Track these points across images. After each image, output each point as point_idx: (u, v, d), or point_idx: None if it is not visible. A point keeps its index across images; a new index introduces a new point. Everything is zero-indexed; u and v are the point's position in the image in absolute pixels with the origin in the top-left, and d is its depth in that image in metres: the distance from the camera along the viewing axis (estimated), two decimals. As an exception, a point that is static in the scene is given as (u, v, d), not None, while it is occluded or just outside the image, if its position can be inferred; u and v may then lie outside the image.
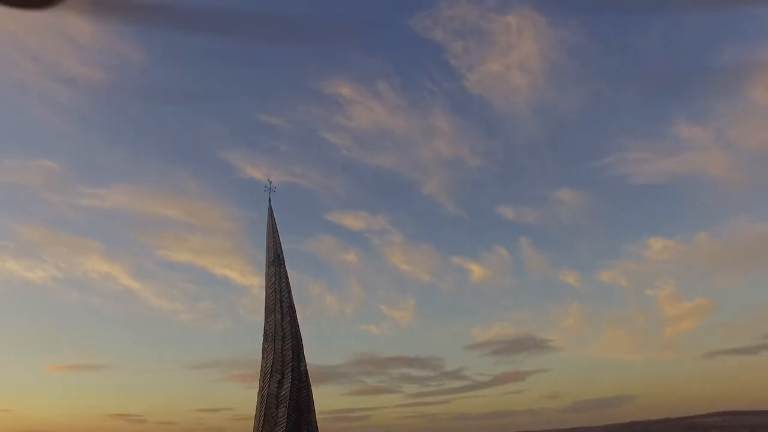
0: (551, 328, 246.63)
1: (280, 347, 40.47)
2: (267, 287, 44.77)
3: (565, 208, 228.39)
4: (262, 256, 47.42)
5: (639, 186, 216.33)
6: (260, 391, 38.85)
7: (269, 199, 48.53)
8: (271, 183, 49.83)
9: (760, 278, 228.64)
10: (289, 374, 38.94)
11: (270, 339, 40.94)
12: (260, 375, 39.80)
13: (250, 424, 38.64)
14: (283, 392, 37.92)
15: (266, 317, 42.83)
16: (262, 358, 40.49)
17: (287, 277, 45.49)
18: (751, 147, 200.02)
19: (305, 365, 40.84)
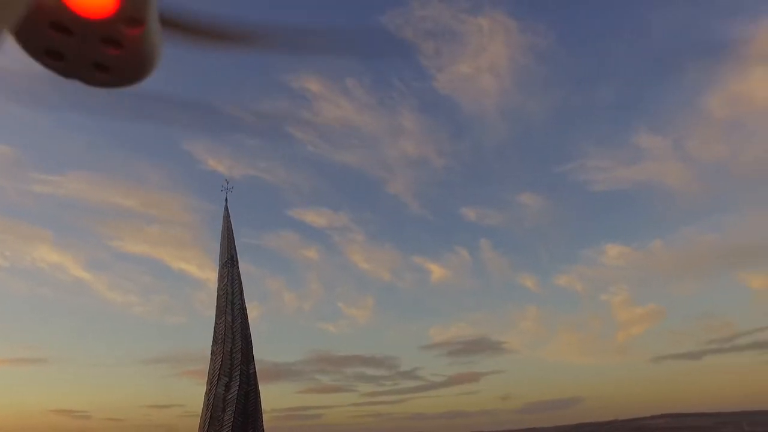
0: (508, 330, 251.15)
1: (229, 349, 40.68)
2: (219, 289, 44.84)
3: (528, 212, 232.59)
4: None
5: (599, 193, 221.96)
6: (207, 394, 39.00)
7: (226, 200, 48.58)
8: (228, 183, 49.87)
9: (707, 286, 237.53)
10: (237, 377, 39.21)
11: (219, 341, 41.11)
12: (208, 377, 39.94)
13: (199, 424, 38.81)
14: (231, 395, 38.18)
15: (217, 319, 42.94)
16: (211, 360, 40.62)
17: (240, 278, 45.66)
18: (706, 159, 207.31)
19: (254, 368, 41.15)
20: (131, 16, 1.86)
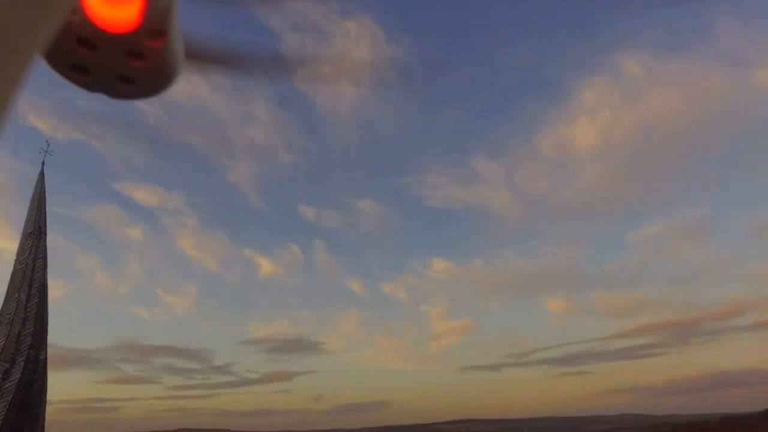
0: (329, 331, 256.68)
1: (17, 332, 36.33)
2: (17, 262, 39.91)
3: (365, 218, 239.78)
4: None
5: (434, 208, 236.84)
6: (-21, 381, 34.45)
7: (42, 163, 43.49)
8: (48, 145, 44.58)
9: (514, 306, 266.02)
10: (22, 363, 35.14)
11: (6, 322, 36.50)
12: (-17, 363, 35.31)
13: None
14: (9, 384, 34.07)
15: (7, 296, 38.13)
16: (-8, 343, 35.97)
17: (45, 252, 41.07)
18: (531, 191, 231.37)
19: (46, 354, 37.19)
20: (154, 28, 1.87)
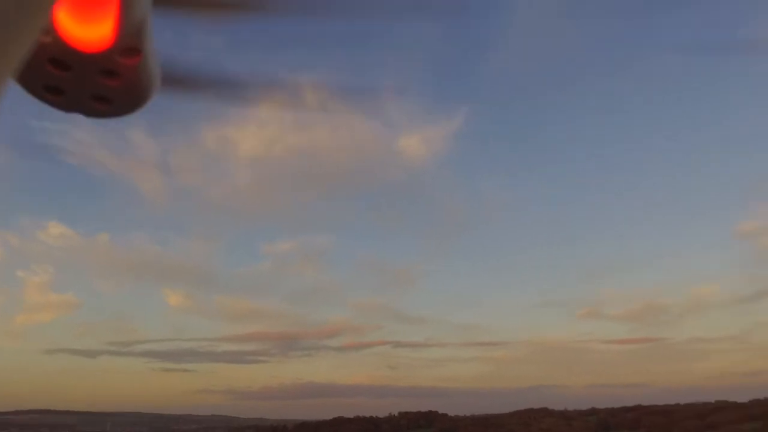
0: None
1: None
2: None
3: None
4: None
5: (71, 166, 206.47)
6: None
7: None
8: None
9: (129, 291, 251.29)
10: None
11: None
12: None
13: None
14: None
15: None
16: None
17: None
18: (182, 179, 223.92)
19: None
20: (128, 46, 1.87)
